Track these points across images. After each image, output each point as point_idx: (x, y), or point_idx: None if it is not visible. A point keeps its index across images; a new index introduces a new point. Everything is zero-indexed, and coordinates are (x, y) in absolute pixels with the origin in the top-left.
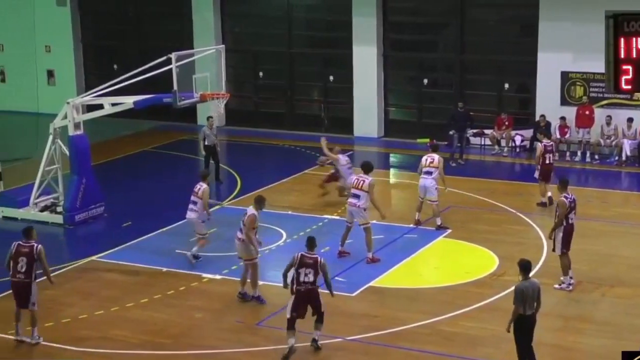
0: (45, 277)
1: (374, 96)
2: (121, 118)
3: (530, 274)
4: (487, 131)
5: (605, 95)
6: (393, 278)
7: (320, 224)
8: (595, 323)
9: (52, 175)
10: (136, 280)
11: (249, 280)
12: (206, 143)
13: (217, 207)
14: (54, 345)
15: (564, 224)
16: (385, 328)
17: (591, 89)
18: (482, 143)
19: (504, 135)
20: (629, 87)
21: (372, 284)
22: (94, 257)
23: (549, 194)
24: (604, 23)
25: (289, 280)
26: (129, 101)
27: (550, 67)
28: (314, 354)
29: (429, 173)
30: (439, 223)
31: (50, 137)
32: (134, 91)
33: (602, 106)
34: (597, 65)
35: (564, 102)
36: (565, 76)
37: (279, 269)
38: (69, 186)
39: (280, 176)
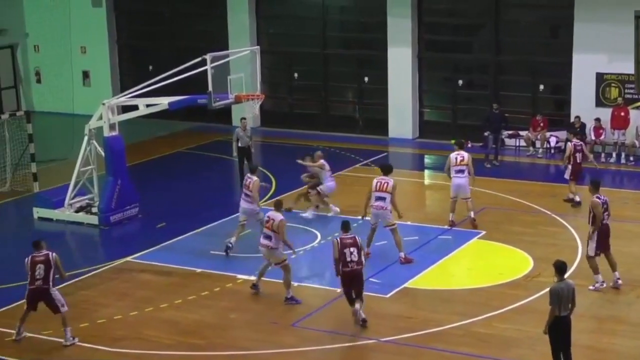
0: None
1: (408, 97)
2: (156, 119)
3: (565, 275)
4: (521, 132)
5: None
6: (427, 279)
7: (355, 225)
8: (630, 324)
9: (88, 176)
10: (170, 281)
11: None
12: (240, 144)
13: (266, 186)
14: (89, 345)
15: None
16: (419, 329)
17: (626, 91)
18: (517, 144)
19: (538, 137)
20: None
21: (406, 285)
22: (128, 258)
23: (578, 197)
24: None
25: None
26: (164, 102)
27: (585, 68)
28: (351, 353)
29: (462, 171)
30: (473, 216)
31: (86, 138)
32: (168, 92)
33: (637, 107)
34: (632, 66)
35: (599, 103)
36: (600, 77)
37: (313, 270)
38: (104, 187)
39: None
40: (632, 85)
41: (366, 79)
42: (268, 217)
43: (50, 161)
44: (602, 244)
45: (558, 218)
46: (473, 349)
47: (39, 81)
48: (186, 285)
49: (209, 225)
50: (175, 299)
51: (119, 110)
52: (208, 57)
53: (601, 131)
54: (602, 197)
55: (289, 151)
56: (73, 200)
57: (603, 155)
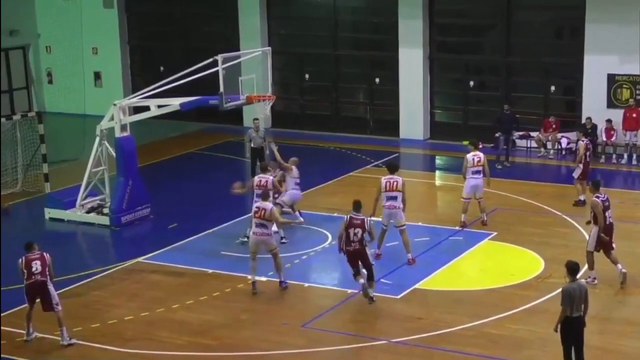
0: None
1: (419, 98)
2: (167, 120)
3: (577, 276)
4: (533, 134)
5: None
6: (438, 280)
7: None
8: None
9: (99, 176)
10: (182, 281)
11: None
12: (252, 145)
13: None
14: (100, 346)
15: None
16: (430, 330)
17: (638, 92)
18: (528, 145)
19: (550, 138)
20: None
21: (417, 286)
22: (140, 259)
23: (583, 196)
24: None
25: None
26: (175, 103)
27: (596, 69)
28: (361, 354)
29: (479, 172)
30: (485, 218)
31: (97, 139)
32: (180, 93)
33: None
34: None
35: (610, 104)
36: (611, 79)
37: (324, 270)
38: (115, 188)
39: (326, 178)
40: None
41: (377, 80)
42: (258, 207)
43: (61, 162)
44: (604, 242)
45: (569, 219)
46: (484, 350)
47: (50, 82)
48: (197, 286)
49: (220, 226)
50: (187, 299)
51: (131, 111)
52: (219, 58)
53: (612, 132)
54: (602, 196)
55: (300, 152)
56: (84, 201)
57: (614, 156)
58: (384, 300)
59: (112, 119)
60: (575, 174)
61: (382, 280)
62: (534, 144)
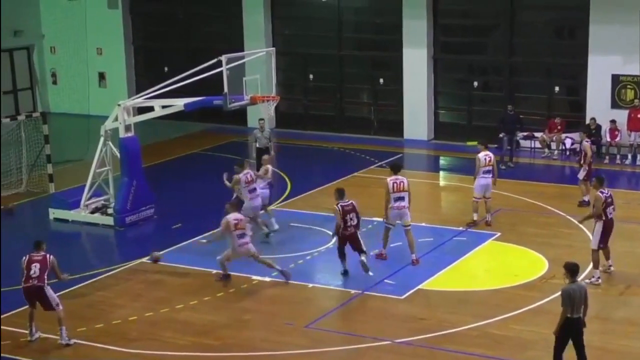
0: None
1: (423, 99)
2: (172, 120)
3: (579, 277)
4: (537, 134)
5: None
6: (442, 281)
7: (370, 226)
8: None
9: (103, 177)
10: (186, 282)
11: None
12: (257, 145)
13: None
14: (104, 346)
15: (603, 218)
16: (434, 331)
17: None
18: (532, 146)
19: (554, 138)
20: None
21: (421, 286)
22: (144, 259)
23: (587, 197)
24: None
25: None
26: (179, 103)
27: (600, 70)
28: (365, 354)
29: (489, 172)
30: (489, 219)
31: (101, 139)
32: (184, 93)
33: None
34: None
35: (614, 105)
36: (615, 79)
37: (327, 271)
38: (119, 188)
39: (329, 178)
40: None
41: (381, 80)
42: (236, 219)
43: (66, 162)
44: (606, 239)
45: (573, 220)
46: (488, 351)
47: (55, 82)
48: (201, 286)
49: None
50: (191, 300)
51: (135, 111)
52: (223, 58)
53: (617, 133)
54: (605, 192)
55: (304, 152)
56: (89, 202)
57: (618, 157)
58: (388, 301)
59: (116, 119)
60: (580, 175)
61: (386, 280)
62: (538, 145)
